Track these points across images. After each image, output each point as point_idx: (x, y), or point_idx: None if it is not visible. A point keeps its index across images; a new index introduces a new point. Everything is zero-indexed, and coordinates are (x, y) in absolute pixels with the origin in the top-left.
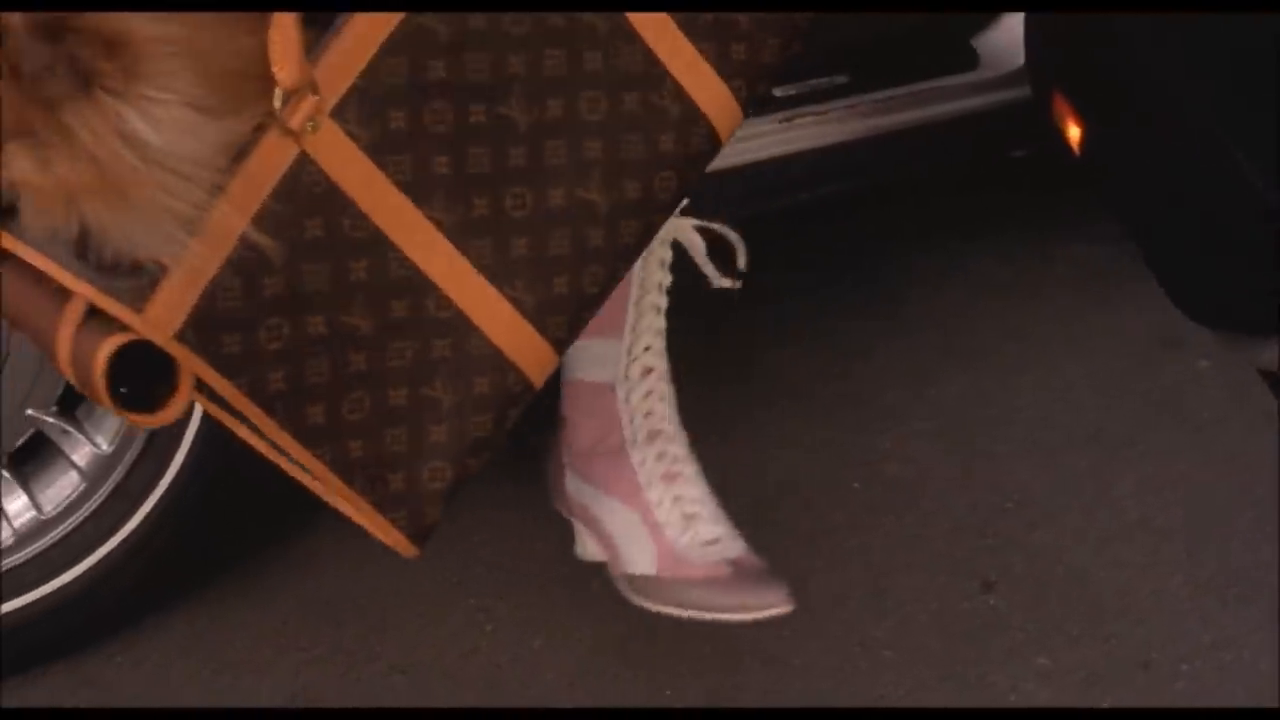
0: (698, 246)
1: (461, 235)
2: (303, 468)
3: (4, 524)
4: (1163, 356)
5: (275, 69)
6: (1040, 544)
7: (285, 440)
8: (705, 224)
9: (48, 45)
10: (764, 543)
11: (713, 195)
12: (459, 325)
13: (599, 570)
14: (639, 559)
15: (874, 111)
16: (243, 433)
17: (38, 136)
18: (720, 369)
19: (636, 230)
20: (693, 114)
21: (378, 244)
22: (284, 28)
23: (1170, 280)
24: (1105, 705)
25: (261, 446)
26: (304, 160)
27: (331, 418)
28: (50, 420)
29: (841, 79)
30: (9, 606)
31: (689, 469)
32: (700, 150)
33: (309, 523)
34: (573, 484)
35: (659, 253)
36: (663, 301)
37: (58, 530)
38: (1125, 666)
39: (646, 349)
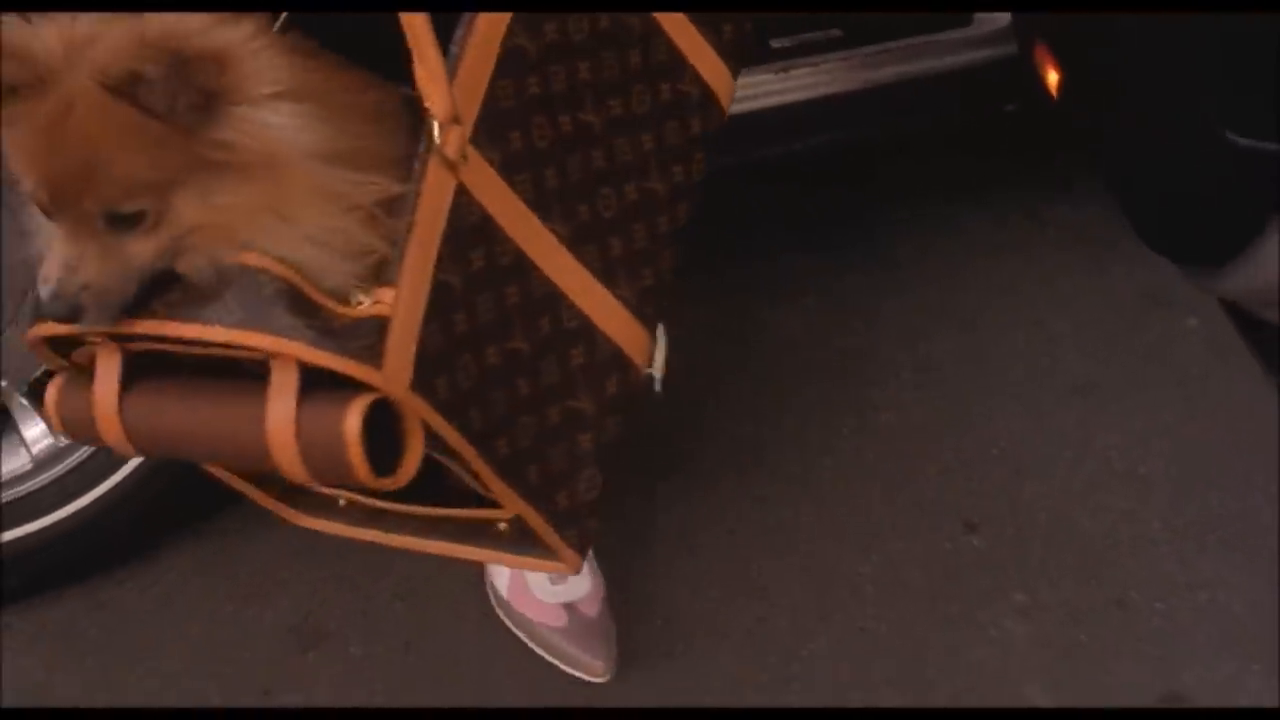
0: None
1: (576, 243)
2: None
3: (24, 450)
4: (1151, 314)
5: (427, 100)
6: (1025, 489)
7: (487, 474)
8: None
9: (178, 79)
10: (755, 489)
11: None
12: (587, 332)
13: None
14: (498, 579)
15: (868, 64)
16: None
17: (200, 173)
18: (718, 323)
19: (686, 211)
20: (708, 95)
21: (521, 266)
22: (428, 60)
23: (1137, 216)
24: (1081, 640)
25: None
26: (462, 191)
27: (513, 447)
28: (18, 397)
29: (837, 33)
30: (29, 529)
31: None
32: (717, 127)
33: None
34: None
35: None
36: None
37: (73, 457)
38: (1102, 604)
39: None
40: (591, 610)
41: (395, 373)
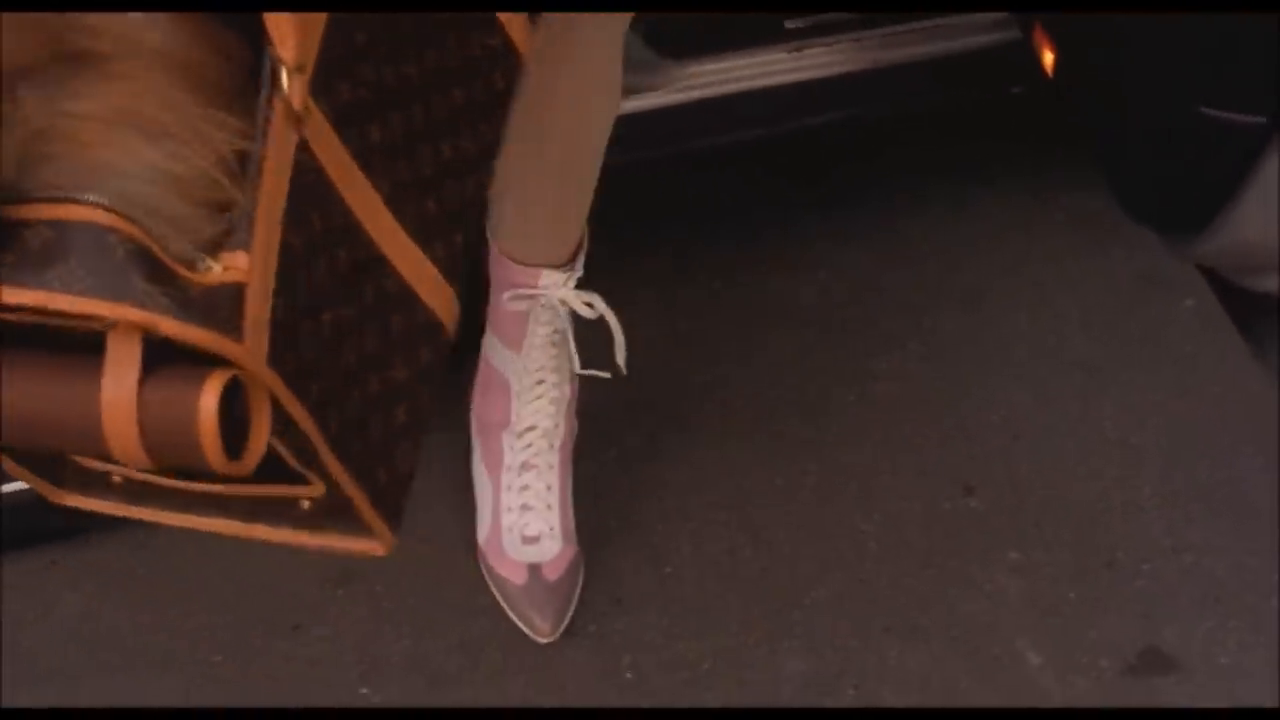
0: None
1: (396, 202)
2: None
3: None
4: (1149, 295)
5: (279, 45)
6: (1021, 456)
7: (324, 451)
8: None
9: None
10: (761, 449)
11: (725, 116)
12: (407, 297)
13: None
14: (480, 529)
15: (880, 45)
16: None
17: (55, 65)
18: (724, 293)
19: (490, 175)
20: (509, 46)
21: (349, 226)
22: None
23: (1122, 188)
24: (1070, 597)
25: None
26: (302, 146)
27: (342, 419)
28: None
29: (849, 15)
30: None
31: (546, 461)
32: (516, 81)
33: None
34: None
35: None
36: (556, 337)
37: None
38: (1091, 564)
39: (541, 368)
40: (554, 574)
41: (254, 346)
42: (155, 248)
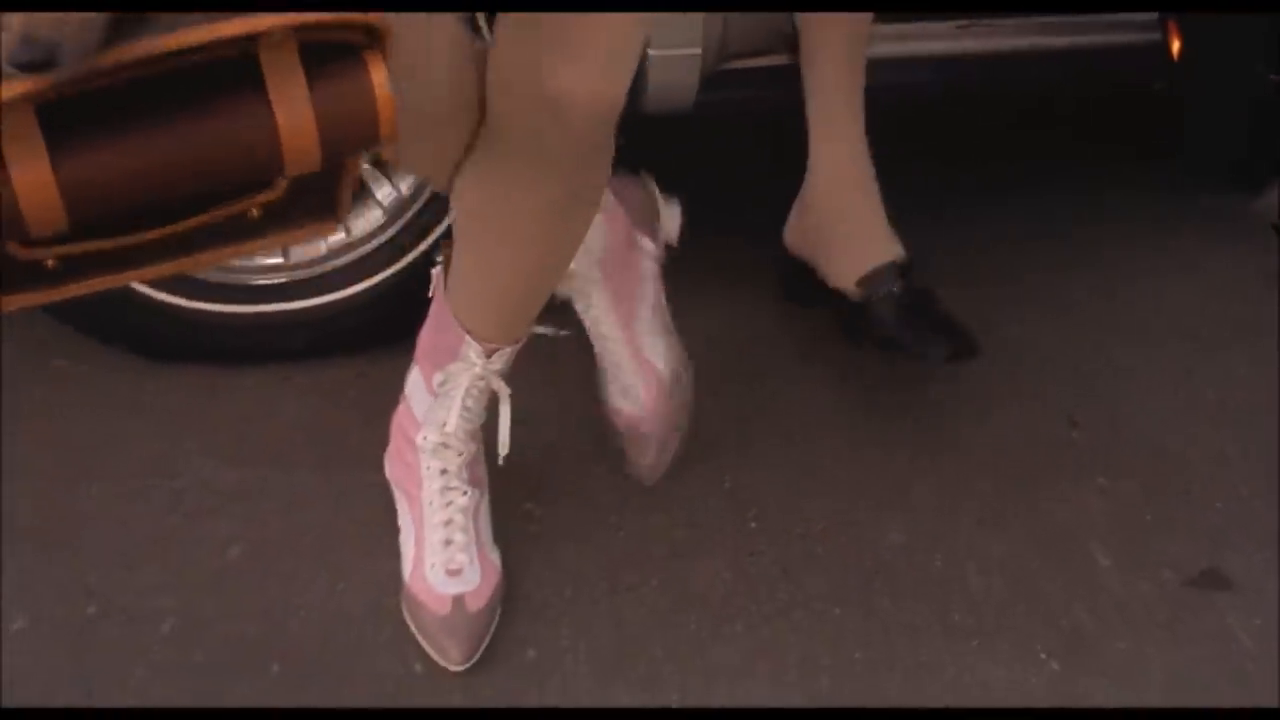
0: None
1: None
2: None
3: (378, 208)
4: (1268, 291)
5: None
6: (1125, 403)
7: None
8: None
9: None
10: (895, 378)
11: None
12: None
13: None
14: (405, 566)
15: (1041, 30)
16: None
17: None
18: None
19: None
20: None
21: None
22: None
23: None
24: (1146, 519)
25: None
26: None
27: None
28: (365, 166)
29: None
30: (327, 299)
31: (463, 498)
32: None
33: None
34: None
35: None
36: (474, 397)
37: (411, 210)
38: (1169, 495)
39: (461, 419)
40: (476, 605)
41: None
42: None
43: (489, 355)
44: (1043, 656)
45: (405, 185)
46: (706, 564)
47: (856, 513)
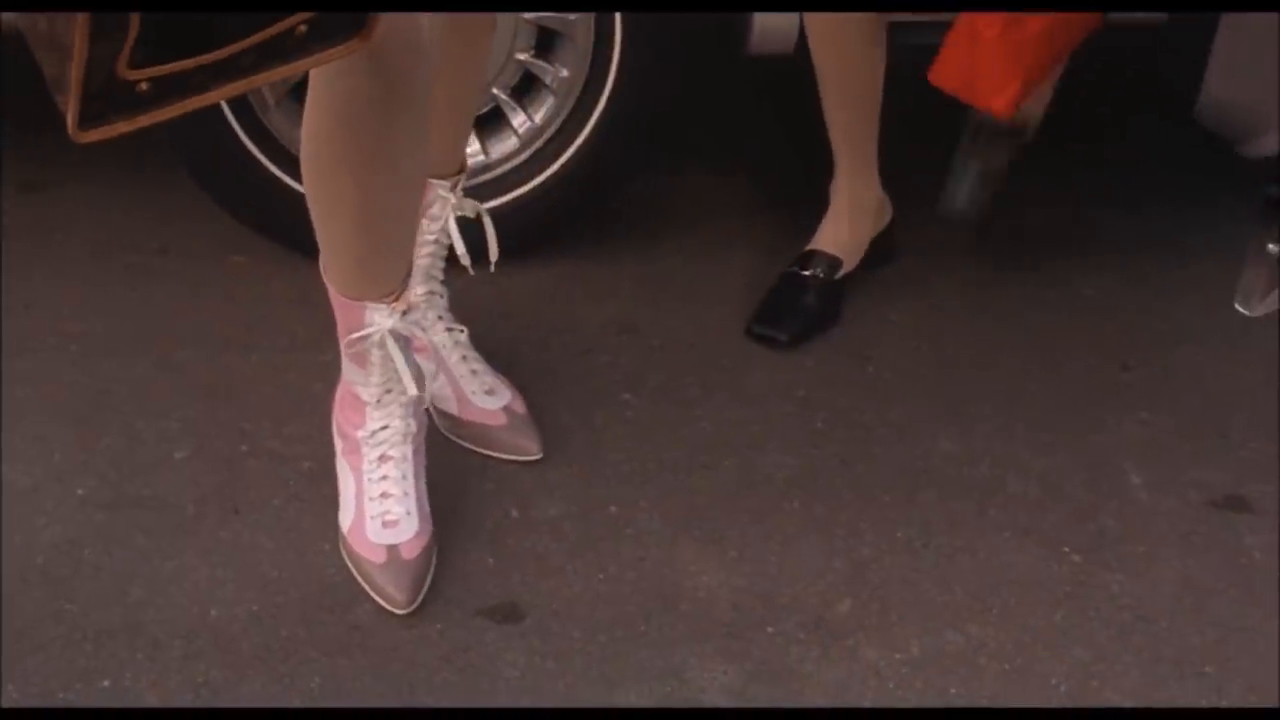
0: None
1: None
2: None
3: (513, 135)
4: None
5: None
6: (1179, 349)
7: None
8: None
9: None
10: (980, 324)
11: None
12: None
13: None
14: (344, 516)
15: None
16: None
17: None
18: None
19: None
20: None
21: None
22: None
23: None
24: (1181, 448)
25: None
26: None
27: None
28: (503, 96)
29: None
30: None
31: (401, 453)
32: None
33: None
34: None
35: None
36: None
37: (540, 139)
38: (1206, 433)
39: (386, 380)
40: (410, 554)
41: None
42: None
43: (393, 311)
44: (1066, 550)
45: (539, 115)
46: (775, 453)
47: (915, 424)
